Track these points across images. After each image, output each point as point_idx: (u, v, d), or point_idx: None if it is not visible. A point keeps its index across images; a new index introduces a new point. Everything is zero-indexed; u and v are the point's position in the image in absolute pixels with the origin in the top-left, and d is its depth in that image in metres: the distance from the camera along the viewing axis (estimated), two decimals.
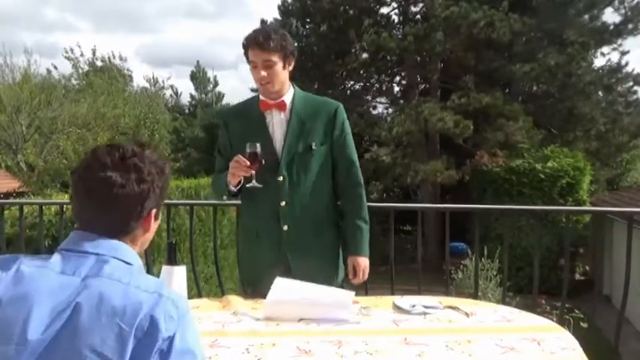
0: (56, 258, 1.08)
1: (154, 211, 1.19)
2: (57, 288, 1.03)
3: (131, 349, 0.98)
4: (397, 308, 1.92)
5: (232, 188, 2.12)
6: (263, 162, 2.04)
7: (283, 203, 2.16)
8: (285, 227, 2.17)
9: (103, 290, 1.02)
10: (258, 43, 2.06)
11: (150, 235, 1.23)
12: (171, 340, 1.01)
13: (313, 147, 2.16)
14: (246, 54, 2.13)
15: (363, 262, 2.24)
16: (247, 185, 2.07)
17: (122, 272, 1.07)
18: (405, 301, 1.97)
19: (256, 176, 2.07)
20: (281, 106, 2.18)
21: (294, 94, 2.22)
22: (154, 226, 1.22)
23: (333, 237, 2.28)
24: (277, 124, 2.19)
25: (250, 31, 2.13)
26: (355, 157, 2.28)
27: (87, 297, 1.01)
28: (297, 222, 2.18)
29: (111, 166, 1.11)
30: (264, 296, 1.88)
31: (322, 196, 2.23)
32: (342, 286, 2.19)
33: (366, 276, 2.26)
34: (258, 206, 2.21)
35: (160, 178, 1.17)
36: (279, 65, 2.11)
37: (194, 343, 1.05)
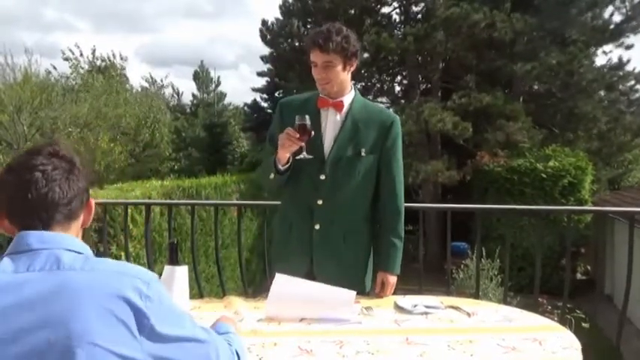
0: (6, 261, 1.06)
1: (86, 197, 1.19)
2: (11, 286, 1.01)
3: (117, 330, 0.99)
4: (399, 308, 1.92)
5: (280, 167, 2.09)
6: (312, 133, 2.04)
7: (320, 202, 2.15)
8: (317, 226, 2.16)
9: (68, 280, 1.02)
10: (318, 44, 2.06)
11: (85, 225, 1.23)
12: (152, 319, 1.03)
13: (362, 153, 2.14)
14: (308, 53, 2.13)
15: (392, 279, 2.20)
16: (297, 157, 2.06)
17: (80, 261, 1.06)
18: (407, 301, 1.98)
19: (306, 150, 2.06)
20: (338, 106, 2.17)
21: (353, 98, 2.20)
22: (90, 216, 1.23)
23: (364, 247, 2.24)
24: (331, 123, 2.17)
25: (313, 30, 2.12)
26: (400, 172, 2.24)
27: (51, 286, 1.00)
28: (330, 223, 2.16)
29: (51, 154, 1.14)
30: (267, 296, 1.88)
31: (360, 203, 2.20)
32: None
33: (392, 292, 2.22)
34: (296, 200, 2.21)
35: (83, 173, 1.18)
36: (339, 67, 2.10)
37: (175, 315, 1.10)
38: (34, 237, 1.08)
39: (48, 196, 1.10)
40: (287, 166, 2.09)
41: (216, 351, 1.16)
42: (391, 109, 15.85)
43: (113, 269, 1.07)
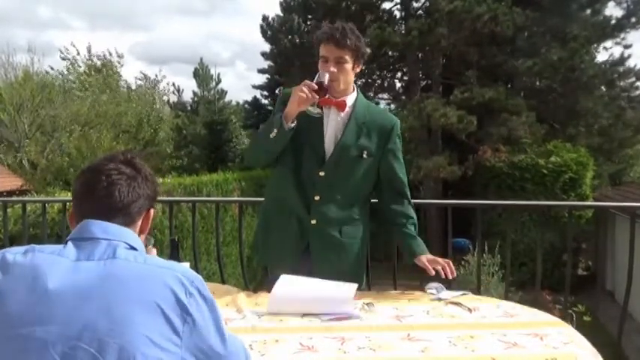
0: (70, 246, 1.12)
1: (150, 210, 1.27)
2: (70, 273, 1.06)
3: (159, 322, 1.02)
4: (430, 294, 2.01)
5: (285, 124, 2.03)
6: (327, 93, 2.04)
7: (317, 197, 2.15)
8: (314, 221, 2.16)
9: (118, 270, 1.07)
10: (334, 39, 2.05)
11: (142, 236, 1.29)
12: (195, 317, 1.07)
13: (364, 156, 2.15)
14: (317, 48, 2.12)
15: (434, 256, 2.15)
16: (309, 107, 2.03)
17: (133, 254, 1.12)
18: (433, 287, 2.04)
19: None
20: (340, 106, 2.15)
21: (356, 98, 2.19)
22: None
23: (361, 241, 2.25)
24: (332, 121, 2.15)
25: (325, 27, 2.11)
26: (404, 172, 2.26)
27: (105, 275, 1.06)
28: (326, 219, 2.16)
29: (121, 162, 1.22)
30: (269, 289, 1.89)
31: (357, 201, 2.22)
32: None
33: (449, 264, 2.10)
34: (294, 194, 2.19)
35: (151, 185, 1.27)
36: (349, 65, 2.10)
37: (216, 317, 1.13)
38: (98, 226, 1.14)
39: (106, 199, 1.17)
40: (292, 126, 2.06)
41: (245, 353, 1.23)
42: (392, 106, 15.88)
43: (162, 264, 1.12)
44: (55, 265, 1.07)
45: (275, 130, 2.05)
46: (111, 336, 0.99)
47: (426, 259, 2.14)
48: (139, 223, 1.23)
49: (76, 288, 1.03)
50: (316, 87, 1.99)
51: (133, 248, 1.15)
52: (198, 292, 1.09)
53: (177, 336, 1.04)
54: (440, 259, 2.13)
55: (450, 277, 2.09)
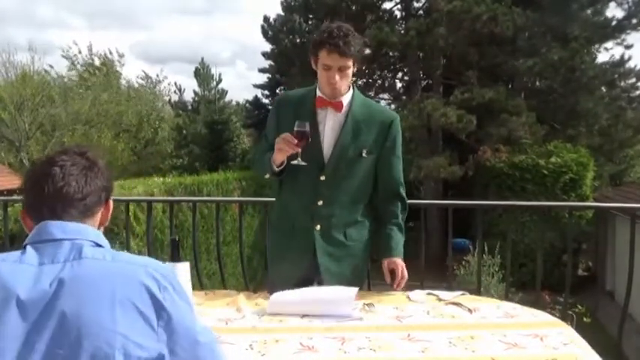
0: (29, 251, 1.07)
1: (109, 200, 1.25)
2: (37, 278, 1.02)
3: (135, 319, 1.01)
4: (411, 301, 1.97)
5: (275, 168, 2.05)
6: (309, 140, 1.99)
7: (320, 202, 2.13)
8: (318, 227, 2.15)
9: (88, 270, 1.04)
10: (338, 47, 1.97)
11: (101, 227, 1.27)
12: (170, 311, 1.05)
13: (363, 154, 2.11)
14: (316, 52, 2.05)
15: (400, 262, 2.14)
16: (292, 162, 2.02)
17: (101, 253, 1.09)
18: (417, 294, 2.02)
19: (302, 159, 2.02)
20: (337, 107, 2.11)
21: (352, 97, 2.15)
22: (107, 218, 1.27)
23: (364, 241, 2.24)
24: (329, 123, 2.12)
25: (324, 30, 2.03)
26: (401, 171, 2.24)
27: (73, 276, 1.02)
28: (330, 223, 2.15)
29: (75, 153, 1.19)
30: (269, 290, 1.91)
31: (360, 201, 2.20)
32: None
33: (404, 276, 2.11)
34: (295, 201, 2.18)
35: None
36: (352, 70, 2.07)
37: (190, 309, 1.11)
38: (57, 227, 1.10)
39: (63, 190, 1.12)
40: (281, 167, 2.07)
41: (218, 348, 1.18)
42: (393, 106, 15.87)
43: (132, 261, 1.10)
44: (19, 273, 1.03)
45: (267, 175, 2.12)
46: (86, 337, 0.97)
47: (387, 263, 2.14)
48: (99, 215, 1.20)
49: (45, 294, 1.00)
50: (295, 141, 1.94)
51: (98, 245, 1.12)
52: (171, 286, 1.07)
53: (154, 331, 1.03)
54: (399, 272, 2.10)
55: (395, 288, 2.09)
